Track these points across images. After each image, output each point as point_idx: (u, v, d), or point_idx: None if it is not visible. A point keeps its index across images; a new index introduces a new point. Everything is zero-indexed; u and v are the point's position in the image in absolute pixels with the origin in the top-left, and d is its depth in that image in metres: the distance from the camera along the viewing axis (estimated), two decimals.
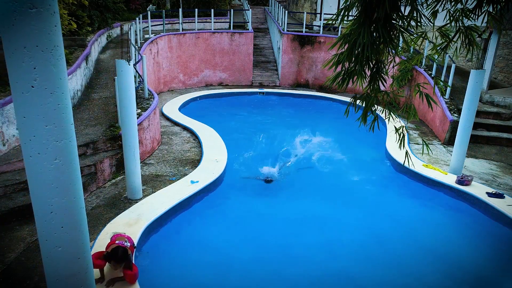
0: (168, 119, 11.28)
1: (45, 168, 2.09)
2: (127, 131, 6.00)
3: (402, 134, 4.53)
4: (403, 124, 4.54)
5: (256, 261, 5.45)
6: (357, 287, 5.09)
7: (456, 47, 4.10)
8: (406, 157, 4.58)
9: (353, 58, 3.92)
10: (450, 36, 4.08)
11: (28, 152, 2.08)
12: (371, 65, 4.08)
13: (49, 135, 2.06)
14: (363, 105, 4.20)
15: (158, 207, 5.87)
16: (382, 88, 4.16)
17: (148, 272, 4.74)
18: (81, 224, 2.33)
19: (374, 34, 3.73)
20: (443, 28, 4.06)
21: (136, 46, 11.25)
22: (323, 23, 17.05)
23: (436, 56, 10.42)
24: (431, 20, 3.95)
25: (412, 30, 4.00)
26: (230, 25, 17.06)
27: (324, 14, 18.26)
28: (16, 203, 5.64)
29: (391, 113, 4.34)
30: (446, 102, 10.94)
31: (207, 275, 5.07)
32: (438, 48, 4.13)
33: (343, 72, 4.09)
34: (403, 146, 4.50)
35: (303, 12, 18.21)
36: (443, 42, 4.11)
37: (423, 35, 4.17)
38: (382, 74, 4.15)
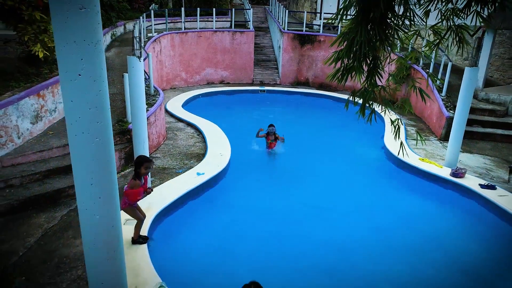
0: (172, 115, 11.58)
1: (87, 145, 2.42)
2: (137, 124, 6.30)
3: (397, 126, 4.85)
4: (398, 117, 4.85)
5: (259, 248, 5.75)
6: (357, 274, 5.39)
7: (447, 44, 4.42)
8: (401, 148, 4.89)
9: (352, 55, 4.23)
10: (442, 34, 4.40)
11: (74, 132, 2.41)
12: (368, 61, 4.40)
13: (92, 117, 2.38)
14: (361, 99, 4.53)
15: (166, 197, 6.19)
16: (378, 83, 4.47)
17: (158, 256, 5.04)
18: (115, 196, 2.65)
19: (371, 32, 4.04)
20: (435, 26, 4.38)
21: (142, 44, 11.55)
22: (323, 22, 17.34)
23: (432, 56, 10.72)
24: (424, 19, 4.27)
25: (406, 29, 4.30)
26: (231, 24, 17.36)
27: (324, 13, 18.56)
28: (33, 192, 5.95)
29: (387, 107, 4.66)
30: (442, 99, 11.27)
31: (213, 260, 5.38)
32: (431, 45, 4.46)
33: (342, 68, 4.40)
34: (398, 137, 4.83)
35: (303, 12, 18.51)
36: (435, 39, 4.44)
37: (417, 33, 4.49)
38: (379, 70, 4.47)
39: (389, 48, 4.30)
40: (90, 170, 2.46)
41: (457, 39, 4.26)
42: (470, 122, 10.55)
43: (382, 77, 4.48)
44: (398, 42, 4.25)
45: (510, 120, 10.99)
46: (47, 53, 7.31)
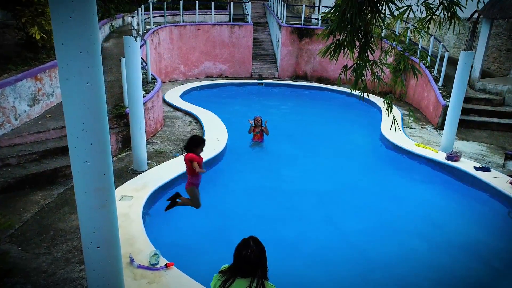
0: (170, 105, 11.63)
1: (79, 90, 2.46)
2: (134, 105, 6.35)
3: (389, 102, 4.92)
4: (389, 95, 4.90)
5: (251, 224, 5.81)
6: (352, 251, 5.45)
7: (440, 21, 4.47)
8: (393, 123, 4.95)
9: (343, 28, 4.28)
10: (433, 10, 4.45)
11: (65, 75, 2.45)
12: (360, 36, 4.45)
13: (83, 60, 2.42)
14: (353, 74, 4.60)
15: (163, 176, 6.24)
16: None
17: (153, 230, 5.10)
18: (106, 144, 2.68)
19: (363, 6, 4.09)
20: (426, 2, 4.43)
21: (140, 32, 11.61)
22: (321, 16, 17.38)
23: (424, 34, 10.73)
24: None
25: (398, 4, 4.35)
26: (230, 18, 17.40)
27: (323, 7, 18.60)
28: (30, 171, 6.00)
29: (379, 81, 4.72)
30: (439, 89, 11.33)
31: (206, 234, 5.47)
32: (423, 21, 4.52)
33: (334, 43, 4.45)
34: (391, 112, 4.90)
35: (302, 5, 18.56)
36: (427, 15, 4.49)
37: (408, 9, 4.54)
38: (371, 45, 4.52)
39: (382, 26, 4.37)
40: (81, 115, 2.50)
41: (448, 14, 4.32)
42: (466, 111, 10.61)
43: (374, 52, 4.54)
44: (390, 17, 4.29)
45: (506, 109, 11.04)
46: (44, 36, 7.37)
